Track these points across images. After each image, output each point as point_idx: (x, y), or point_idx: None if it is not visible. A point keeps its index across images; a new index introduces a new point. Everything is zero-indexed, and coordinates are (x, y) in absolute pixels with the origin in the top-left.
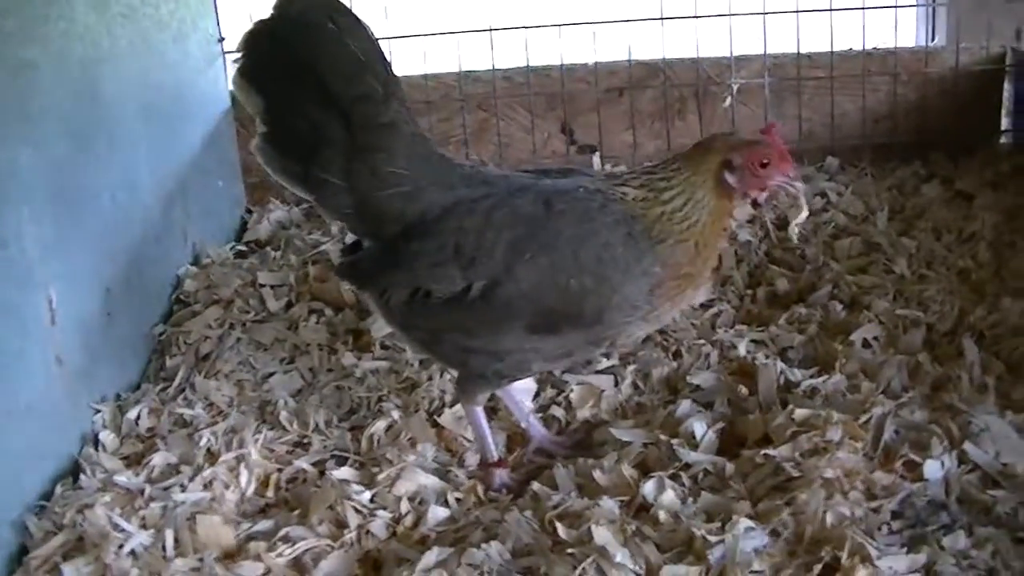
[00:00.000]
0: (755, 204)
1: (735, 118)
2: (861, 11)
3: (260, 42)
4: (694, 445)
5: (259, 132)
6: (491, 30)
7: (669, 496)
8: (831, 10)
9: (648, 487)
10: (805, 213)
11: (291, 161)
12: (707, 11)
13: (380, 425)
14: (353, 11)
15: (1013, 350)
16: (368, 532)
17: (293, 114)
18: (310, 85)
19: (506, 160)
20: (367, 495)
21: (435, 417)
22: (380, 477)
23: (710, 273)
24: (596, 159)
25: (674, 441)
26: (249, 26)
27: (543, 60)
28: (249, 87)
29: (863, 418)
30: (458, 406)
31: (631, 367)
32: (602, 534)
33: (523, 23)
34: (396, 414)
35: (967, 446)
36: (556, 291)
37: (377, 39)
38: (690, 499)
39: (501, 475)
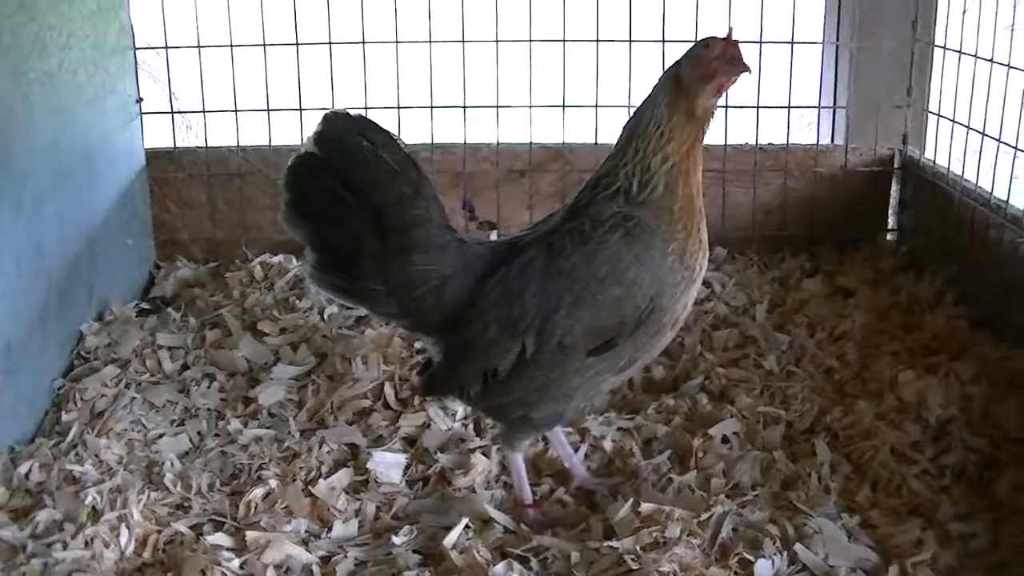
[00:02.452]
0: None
1: None
2: (755, 109)
3: (302, 174)
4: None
5: (308, 261)
6: (399, 107)
7: None
8: (727, 107)
9: (498, 570)
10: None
11: (337, 277)
12: (607, 101)
13: (258, 492)
14: (382, 127)
15: (863, 453)
16: None
17: (336, 233)
18: (350, 203)
19: None
20: (236, 562)
21: (310, 487)
22: (251, 544)
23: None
24: (494, 235)
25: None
26: (289, 162)
27: (448, 138)
28: (297, 219)
29: (704, 515)
30: (333, 477)
31: (496, 446)
32: None
33: (429, 102)
34: (274, 482)
35: (798, 547)
36: (594, 313)
37: (408, 149)
38: None
39: (535, 514)
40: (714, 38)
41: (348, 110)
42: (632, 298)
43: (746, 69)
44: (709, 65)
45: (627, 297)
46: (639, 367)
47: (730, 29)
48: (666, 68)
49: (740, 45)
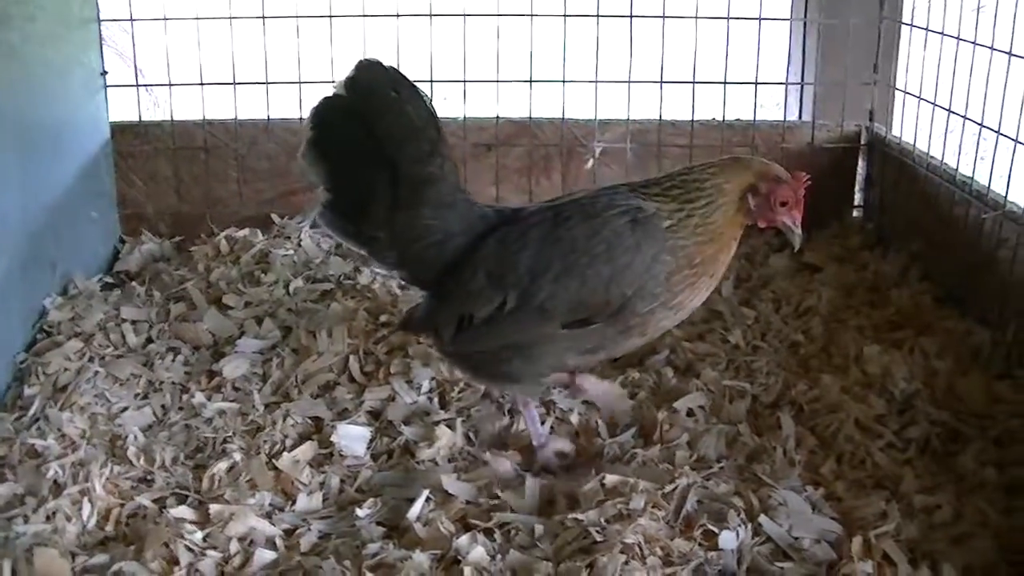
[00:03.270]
0: (757, 227)
1: (597, 178)
2: (722, 85)
3: (328, 115)
4: (517, 503)
5: (321, 200)
6: None
7: (479, 552)
8: (694, 82)
9: (462, 542)
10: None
11: (347, 221)
12: (574, 75)
13: (222, 465)
14: (411, 82)
15: (828, 426)
16: (197, 571)
17: (351, 178)
18: (369, 150)
19: None
20: (199, 535)
21: (274, 461)
22: (214, 517)
23: (723, 271)
24: None
25: (494, 501)
26: (317, 102)
27: None
28: (316, 157)
29: (669, 488)
30: (297, 450)
31: (461, 419)
32: None
33: None
34: (238, 456)
35: (763, 519)
36: (580, 285)
37: (432, 106)
38: (499, 556)
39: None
40: (790, 183)
41: (381, 61)
42: (619, 283)
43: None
44: (773, 207)
45: (615, 279)
46: (602, 358)
47: (803, 178)
48: (736, 170)
49: (803, 189)
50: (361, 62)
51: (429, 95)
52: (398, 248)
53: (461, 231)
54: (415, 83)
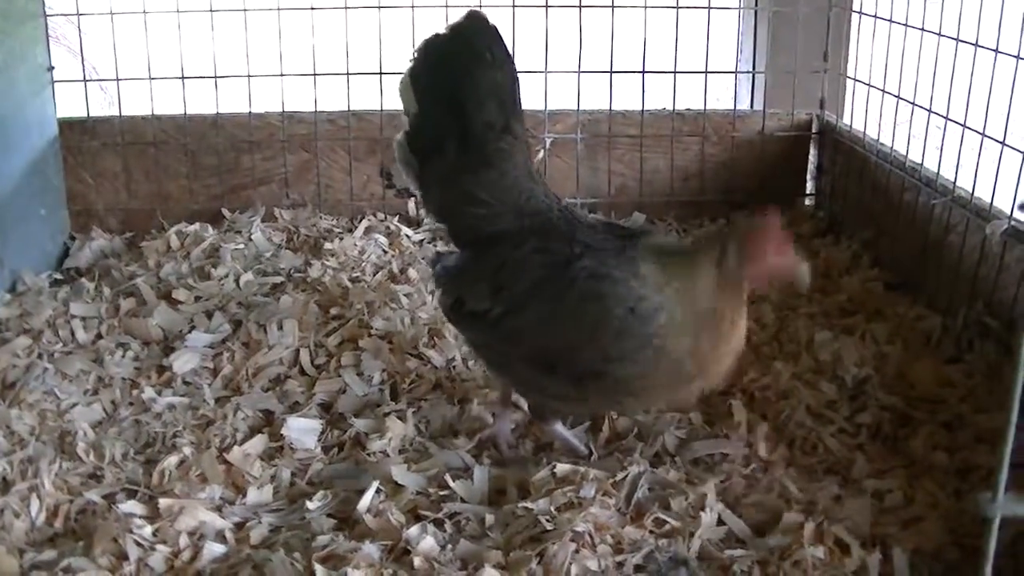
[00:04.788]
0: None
1: (548, 170)
2: (672, 74)
3: (431, 53)
4: (467, 492)
5: (404, 130)
6: (315, 74)
7: (429, 542)
8: (644, 72)
9: (412, 532)
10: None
11: (415, 158)
12: (524, 66)
13: (172, 460)
14: (508, 50)
15: (779, 412)
16: (146, 566)
17: (431, 121)
18: (452, 100)
19: (325, 201)
20: (149, 529)
21: (224, 454)
22: (164, 512)
23: (722, 369)
24: (412, 203)
25: (444, 491)
26: (426, 37)
27: (365, 105)
28: (412, 88)
29: (619, 476)
30: (247, 444)
31: (412, 410)
32: None
33: (346, 69)
34: (188, 450)
35: (714, 505)
36: (549, 334)
37: (518, 77)
38: (449, 546)
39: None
40: (762, 238)
41: (488, 17)
42: (592, 356)
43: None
44: (757, 268)
45: (588, 351)
46: (592, 411)
47: (772, 213)
48: (716, 240)
49: (783, 238)
50: (472, 11)
51: (516, 67)
52: (443, 203)
53: (508, 214)
54: (508, 51)
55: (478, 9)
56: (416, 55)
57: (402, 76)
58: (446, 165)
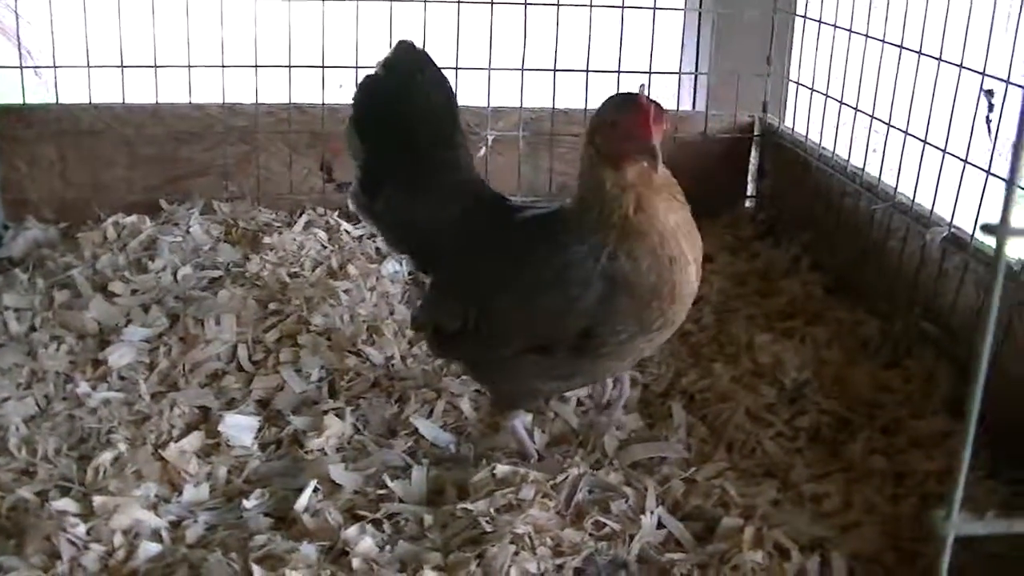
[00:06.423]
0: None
1: (490, 167)
2: (616, 74)
3: (368, 96)
4: (405, 492)
5: (355, 176)
6: (256, 66)
7: (367, 543)
8: (588, 71)
9: (350, 533)
10: None
11: (367, 197)
12: (467, 63)
13: (107, 456)
14: (438, 67)
15: (718, 415)
16: (80, 565)
17: (376, 156)
18: (396, 133)
19: (265, 195)
20: (83, 527)
21: (160, 451)
22: (98, 510)
23: (684, 256)
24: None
25: (382, 491)
26: (361, 81)
27: (306, 98)
28: (356, 136)
29: (559, 478)
30: (184, 440)
31: (350, 408)
32: None
33: (288, 62)
34: (123, 446)
35: (654, 508)
36: (533, 314)
37: (454, 92)
38: (388, 547)
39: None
40: (625, 109)
41: (414, 43)
42: (576, 315)
43: (653, 156)
44: (620, 146)
45: (569, 313)
46: (578, 384)
47: (641, 87)
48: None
49: (652, 112)
50: (400, 42)
51: (451, 84)
52: (398, 230)
53: (456, 221)
54: (440, 69)
55: (406, 39)
56: (355, 100)
57: (347, 127)
58: (392, 190)
